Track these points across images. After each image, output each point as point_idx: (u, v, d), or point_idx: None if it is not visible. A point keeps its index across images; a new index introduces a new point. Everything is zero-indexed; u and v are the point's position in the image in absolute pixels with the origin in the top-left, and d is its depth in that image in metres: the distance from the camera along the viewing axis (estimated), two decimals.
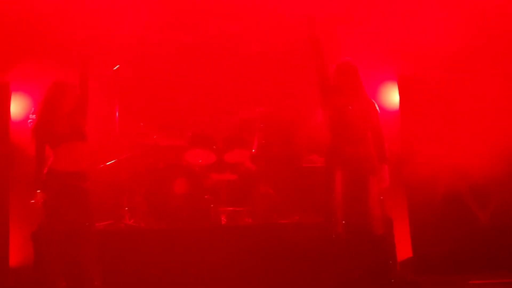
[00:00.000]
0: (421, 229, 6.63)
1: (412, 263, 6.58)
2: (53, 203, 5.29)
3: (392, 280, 5.92)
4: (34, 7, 6.75)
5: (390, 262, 6.10)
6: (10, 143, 6.50)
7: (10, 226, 6.45)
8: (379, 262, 5.62)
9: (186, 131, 7.22)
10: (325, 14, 6.33)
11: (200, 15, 7.54)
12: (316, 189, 6.70)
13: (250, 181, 7.09)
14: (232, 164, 7.17)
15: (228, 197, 7.03)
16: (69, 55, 6.04)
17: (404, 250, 6.58)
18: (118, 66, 7.07)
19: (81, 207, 5.36)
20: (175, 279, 6.07)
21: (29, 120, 5.47)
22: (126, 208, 6.81)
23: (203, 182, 6.98)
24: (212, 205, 6.78)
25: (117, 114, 7.08)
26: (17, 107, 6.61)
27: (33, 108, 5.61)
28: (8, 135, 6.52)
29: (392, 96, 6.97)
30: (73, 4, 6.76)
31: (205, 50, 7.74)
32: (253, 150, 7.29)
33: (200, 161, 7.08)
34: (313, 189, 6.91)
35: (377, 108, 5.68)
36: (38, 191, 5.29)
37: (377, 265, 5.57)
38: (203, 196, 6.86)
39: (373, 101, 5.72)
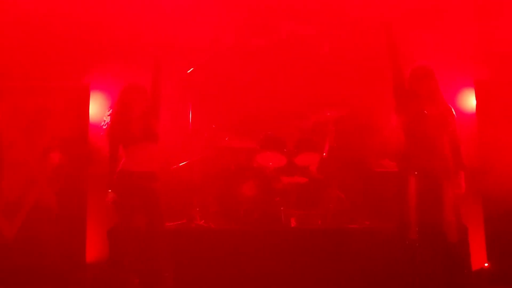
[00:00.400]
0: (498, 238, 6.43)
1: (487, 273, 6.39)
2: (124, 202, 5.42)
3: None
4: (110, 12, 6.96)
5: (465, 271, 5.92)
6: (89, 144, 6.75)
7: (88, 223, 6.68)
8: (453, 270, 5.46)
9: (258, 133, 7.26)
10: (401, 17, 6.24)
11: (273, 18, 7.56)
12: (388, 194, 6.59)
13: (320, 185, 7.05)
14: (303, 167, 7.15)
15: (298, 200, 7.00)
16: (145, 58, 6.18)
17: (479, 259, 6.40)
18: (192, 69, 7.21)
19: (150, 207, 5.46)
20: (243, 280, 6.10)
21: (103, 123, 5.63)
22: (198, 209, 6.90)
23: (274, 184, 6.98)
24: (282, 208, 6.78)
25: (190, 116, 7.21)
26: (96, 108, 6.86)
27: (108, 110, 5.77)
28: (87, 136, 6.78)
29: (468, 100, 6.81)
30: (148, 8, 6.92)
31: (277, 53, 7.76)
32: (324, 154, 7.24)
33: (271, 163, 7.09)
34: (385, 194, 6.79)
35: (454, 112, 5.54)
36: (109, 190, 5.44)
37: (451, 274, 5.42)
38: (273, 198, 6.87)
39: (450, 105, 5.59)
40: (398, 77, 5.49)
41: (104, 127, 5.60)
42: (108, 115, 5.63)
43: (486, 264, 6.45)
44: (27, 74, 6.92)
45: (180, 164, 7.12)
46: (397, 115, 5.53)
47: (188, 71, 7.21)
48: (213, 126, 7.41)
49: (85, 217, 6.67)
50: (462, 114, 6.54)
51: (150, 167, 5.51)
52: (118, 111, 5.57)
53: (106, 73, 6.85)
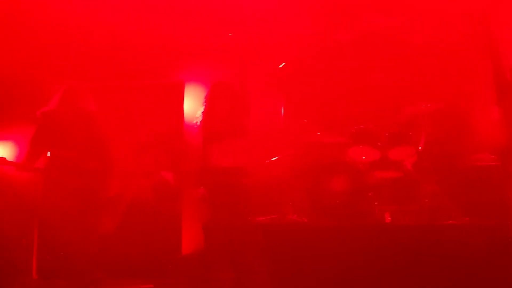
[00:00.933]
0: None
1: None
2: (214, 198, 5.51)
3: None
4: (201, 11, 7.10)
5: None
6: (183, 140, 6.93)
7: (183, 217, 6.85)
8: None
9: (350, 127, 7.18)
10: (499, 7, 5.97)
11: (361, 11, 7.47)
12: (488, 189, 6.34)
13: (416, 179, 6.88)
14: (397, 161, 7.00)
15: (392, 195, 6.85)
16: (237, 53, 6.25)
17: None
18: (284, 63, 7.24)
19: (240, 202, 5.51)
20: (336, 275, 6.06)
21: (195, 119, 5.76)
22: (290, 203, 6.91)
23: (367, 179, 6.89)
24: (376, 203, 6.69)
25: (282, 111, 7.24)
26: (191, 105, 7.01)
27: (201, 107, 5.90)
28: (181, 132, 6.95)
29: None
30: (240, 4, 7.00)
31: (368, 46, 7.65)
32: (420, 147, 7.06)
33: (363, 158, 6.99)
34: (484, 189, 6.53)
35: None
36: (201, 186, 5.54)
37: None
38: (367, 193, 6.77)
39: None
40: (499, 67, 5.27)
41: (197, 124, 5.72)
42: (201, 112, 5.75)
43: None
44: (125, 73, 7.20)
45: (272, 159, 7.16)
46: (498, 107, 5.33)
47: (280, 66, 7.24)
48: (305, 120, 7.39)
49: (180, 212, 6.85)
50: None
51: (239, 163, 5.56)
52: (208, 108, 5.67)
53: (200, 69, 6.99)
